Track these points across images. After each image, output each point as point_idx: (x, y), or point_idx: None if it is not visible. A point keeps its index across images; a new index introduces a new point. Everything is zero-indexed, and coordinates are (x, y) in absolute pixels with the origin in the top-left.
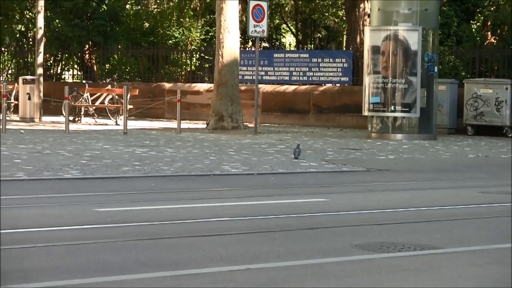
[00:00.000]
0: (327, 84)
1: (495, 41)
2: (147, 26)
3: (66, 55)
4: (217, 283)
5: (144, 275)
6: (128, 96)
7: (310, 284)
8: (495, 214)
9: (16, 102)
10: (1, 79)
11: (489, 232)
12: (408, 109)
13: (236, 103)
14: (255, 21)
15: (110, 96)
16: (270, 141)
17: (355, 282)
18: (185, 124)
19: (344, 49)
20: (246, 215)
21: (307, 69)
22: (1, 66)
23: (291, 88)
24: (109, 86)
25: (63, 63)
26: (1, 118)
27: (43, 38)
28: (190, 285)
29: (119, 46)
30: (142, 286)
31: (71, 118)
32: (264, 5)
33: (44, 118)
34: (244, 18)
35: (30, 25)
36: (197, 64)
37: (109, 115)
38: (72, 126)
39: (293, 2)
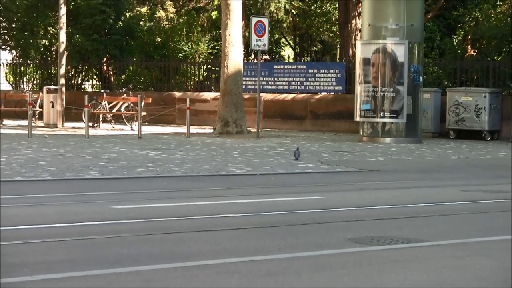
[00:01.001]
0: (322, 93)
1: (474, 54)
2: (159, 40)
3: (86, 67)
4: (223, 273)
5: (157, 266)
6: (142, 104)
7: (307, 274)
8: (475, 211)
9: (41, 109)
10: (27, 89)
11: (470, 226)
12: (396, 115)
13: (240, 110)
14: (257, 35)
15: (125, 104)
16: (270, 144)
17: (348, 273)
18: (193, 129)
19: (337, 61)
20: (249, 211)
21: (304, 79)
22: (27, 77)
23: (290, 96)
24: (125, 95)
25: (83, 74)
26: (28, 124)
27: (65, 51)
28: (198, 275)
29: (134, 59)
30: (155, 276)
31: (90, 124)
32: (265, 21)
33: (66, 124)
34: (247, 33)
35: (53, 40)
36: (205, 75)
37: (125, 121)
38: (92, 131)
39: (291, 18)
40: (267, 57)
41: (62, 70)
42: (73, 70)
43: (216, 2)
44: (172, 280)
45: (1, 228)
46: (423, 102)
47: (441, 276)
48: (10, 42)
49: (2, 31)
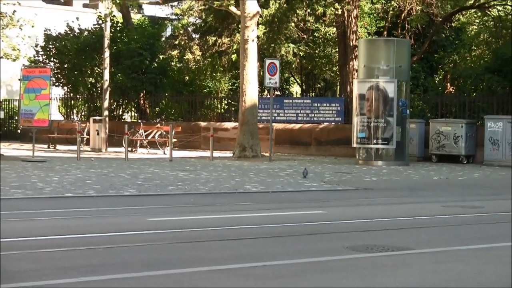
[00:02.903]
0: (324, 123)
1: (453, 90)
2: (187, 78)
3: (126, 100)
4: (241, 276)
5: (185, 270)
6: (173, 132)
7: (312, 276)
8: (454, 223)
9: (88, 136)
10: (77, 119)
11: (449, 237)
12: (386, 142)
13: (256, 138)
14: (270, 75)
15: (159, 132)
16: (281, 166)
17: (346, 275)
18: (216, 154)
19: (337, 96)
20: (263, 223)
21: (310, 111)
22: (76, 109)
23: (297, 126)
24: (159, 124)
25: (123, 107)
26: (77, 149)
27: (108, 88)
28: (220, 278)
29: (166, 94)
30: (184, 278)
31: (129, 149)
32: (277, 62)
33: (109, 149)
34: (262, 73)
35: (99, 78)
36: (226, 107)
37: (158, 146)
38: (130, 155)
39: (298, 60)
40: (278, 93)
41: (106, 104)
42: (115, 103)
43: (235, 47)
44: (199, 281)
45: (57, 236)
46: (410, 131)
47: (424, 278)
48: (62, 80)
49: (56, 71)
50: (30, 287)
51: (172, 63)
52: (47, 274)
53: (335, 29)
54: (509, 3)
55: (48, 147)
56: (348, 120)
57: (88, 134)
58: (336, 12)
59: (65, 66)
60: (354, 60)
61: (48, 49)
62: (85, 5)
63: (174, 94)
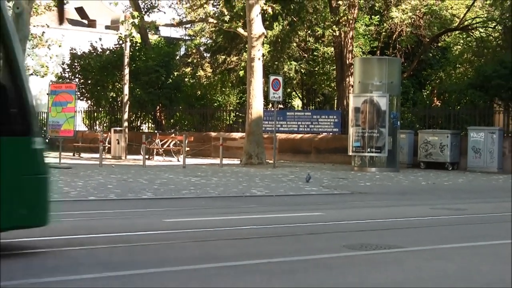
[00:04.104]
0: (323, 133)
1: (439, 104)
2: (199, 93)
3: (143, 113)
4: (247, 272)
5: (196, 267)
6: (186, 141)
7: (312, 272)
8: (440, 224)
9: (109, 145)
10: (99, 130)
11: (436, 236)
12: (379, 150)
13: (261, 146)
14: (274, 90)
15: (174, 142)
16: (284, 172)
17: (343, 271)
18: (225, 161)
19: (335, 109)
20: (267, 224)
21: (310, 123)
22: (99, 121)
23: (299, 136)
24: (173, 135)
25: (141, 118)
26: (99, 156)
27: (128, 101)
28: (229, 273)
29: (180, 107)
30: (196, 274)
31: (147, 156)
32: (280, 79)
33: (128, 157)
34: (266, 88)
35: (119, 93)
36: (234, 119)
37: (173, 154)
38: (148, 162)
39: (300, 76)
40: (281, 106)
41: (126, 116)
42: (134, 115)
43: (242, 64)
44: (209, 277)
45: (81, 236)
46: (400, 141)
47: (413, 274)
48: (86, 94)
49: (80, 86)
50: (57, 281)
51: (186, 79)
52: (72, 270)
53: (333, 48)
54: (490, 26)
55: (73, 155)
56: (345, 130)
57: (109, 143)
58: (334, 34)
59: (89, 82)
60: (350, 76)
61: (73, 66)
62: (107, 27)
63: (187, 107)
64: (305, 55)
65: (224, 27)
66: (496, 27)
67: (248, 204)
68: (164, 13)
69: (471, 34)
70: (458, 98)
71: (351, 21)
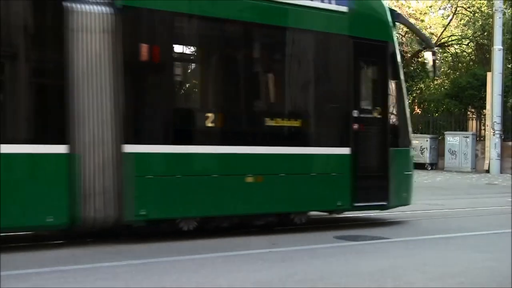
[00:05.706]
0: None
1: (420, 112)
2: None
3: None
4: (251, 260)
5: (206, 256)
6: None
7: (308, 259)
8: (420, 217)
9: None
10: None
11: (417, 228)
12: None
13: None
14: None
15: None
16: None
17: (335, 259)
18: None
19: None
20: None
21: None
22: None
23: None
24: None
25: None
26: None
27: None
28: (235, 261)
29: None
30: (206, 262)
31: None
32: None
33: None
34: None
35: None
36: None
37: None
38: None
39: None
40: None
41: None
42: None
43: None
44: (218, 264)
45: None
46: None
47: (396, 260)
48: None
49: None
50: (71, 270)
51: None
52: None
53: None
54: (463, 43)
55: None
56: None
57: None
58: None
59: None
60: None
61: None
62: None
63: None
64: None
65: None
66: (469, 44)
67: None
68: None
69: (447, 50)
70: (436, 107)
71: None
